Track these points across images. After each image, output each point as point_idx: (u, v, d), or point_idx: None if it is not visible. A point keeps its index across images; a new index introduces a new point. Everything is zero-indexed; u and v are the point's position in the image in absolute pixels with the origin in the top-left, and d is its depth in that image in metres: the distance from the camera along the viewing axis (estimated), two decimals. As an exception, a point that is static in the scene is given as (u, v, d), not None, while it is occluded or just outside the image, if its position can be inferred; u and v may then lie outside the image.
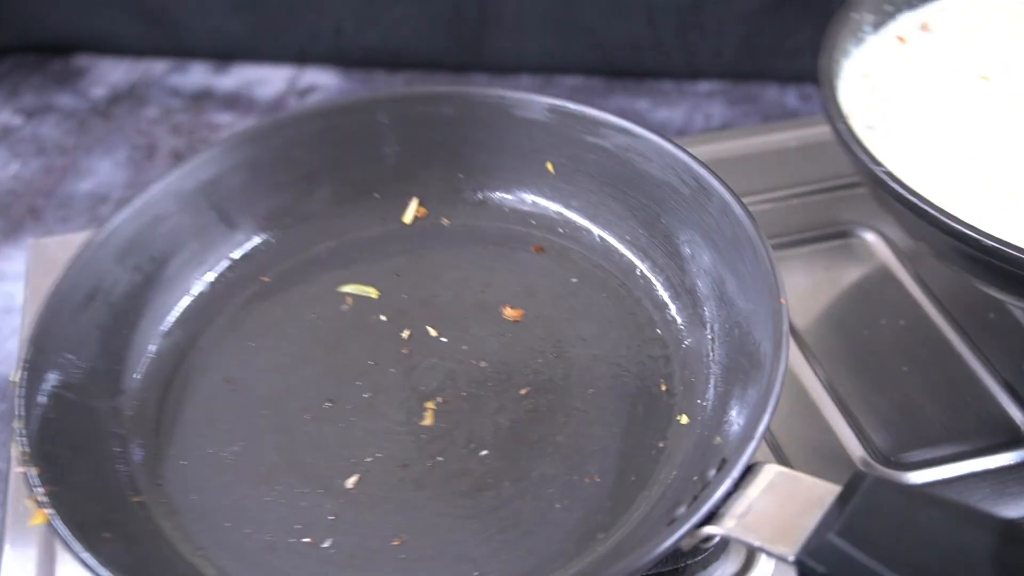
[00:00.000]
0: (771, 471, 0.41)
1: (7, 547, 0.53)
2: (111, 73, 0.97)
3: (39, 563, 0.52)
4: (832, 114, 0.54)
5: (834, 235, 0.68)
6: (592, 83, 0.93)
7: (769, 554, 0.39)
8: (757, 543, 0.39)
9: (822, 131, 0.75)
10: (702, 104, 0.90)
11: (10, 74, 0.97)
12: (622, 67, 0.93)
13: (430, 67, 0.95)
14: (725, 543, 0.50)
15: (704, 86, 0.92)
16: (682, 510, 0.41)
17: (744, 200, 0.69)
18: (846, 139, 0.52)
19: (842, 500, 0.39)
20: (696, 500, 0.40)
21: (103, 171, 0.86)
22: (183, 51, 0.97)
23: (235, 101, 0.93)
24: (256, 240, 0.57)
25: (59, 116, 0.92)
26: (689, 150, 0.55)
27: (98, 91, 0.95)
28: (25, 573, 0.51)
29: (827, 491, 0.39)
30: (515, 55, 0.93)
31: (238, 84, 0.95)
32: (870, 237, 0.67)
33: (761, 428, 0.41)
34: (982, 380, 0.58)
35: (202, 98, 0.94)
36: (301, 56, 0.96)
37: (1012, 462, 0.54)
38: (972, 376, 0.59)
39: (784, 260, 0.66)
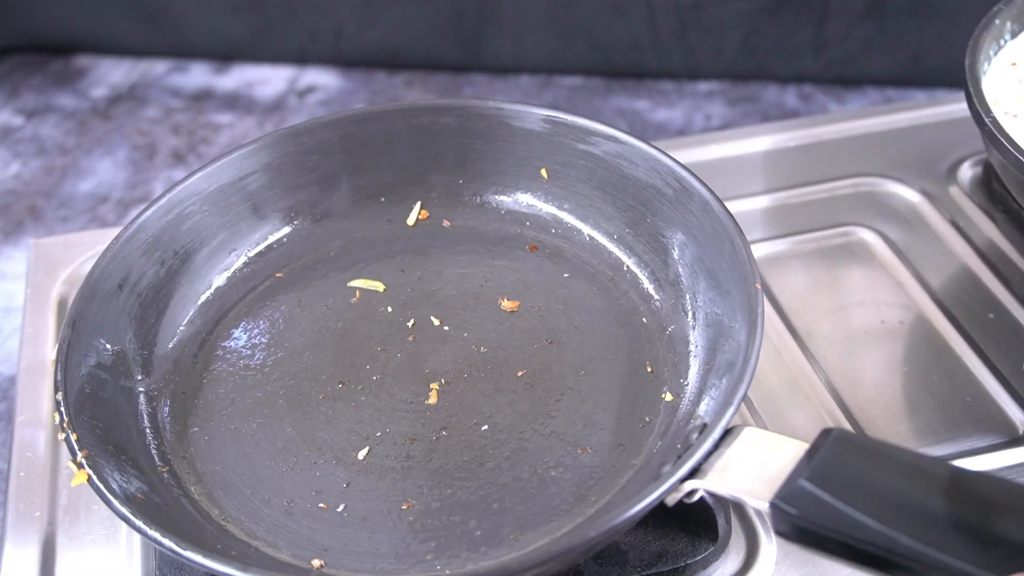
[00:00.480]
0: (748, 432, 0.45)
1: (7, 547, 0.53)
2: (111, 73, 0.97)
3: (39, 562, 0.52)
4: (981, 110, 0.58)
5: (834, 235, 0.68)
6: (592, 83, 0.93)
7: (746, 503, 0.42)
8: (735, 494, 0.43)
9: (822, 131, 0.75)
10: (702, 104, 0.90)
11: (10, 74, 0.97)
12: (622, 67, 0.93)
13: (430, 67, 0.95)
14: (725, 544, 0.51)
15: (704, 86, 0.92)
16: (667, 468, 0.45)
17: (744, 200, 0.70)
18: (995, 131, 0.57)
19: (811, 453, 0.42)
20: (680, 459, 0.44)
21: (103, 171, 0.87)
22: (183, 51, 0.98)
23: (235, 101, 0.93)
24: (272, 239, 0.62)
25: (59, 116, 0.92)
26: (684, 151, 0.58)
27: (98, 91, 0.95)
28: (25, 572, 0.52)
29: (799, 447, 0.43)
30: (515, 55, 0.93)
31: (238, 84, 0.95)
32: (870, 237, 0.68)
33: (739, 395, 0.45)
34: (982, 380, 0.59)
35: (202, 98, 0.94)
36: (301, 56, 0.96)
37: (1012, 462, 0.54)
38: (972, 376, 0.59)
39: (784, 260, 0.66)
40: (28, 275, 0.67)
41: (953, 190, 0.70)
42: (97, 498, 0.54)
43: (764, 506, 0.42)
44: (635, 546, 0.50)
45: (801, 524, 0.41)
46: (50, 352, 0.62)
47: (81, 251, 0.68)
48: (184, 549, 0.42)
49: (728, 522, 0.51)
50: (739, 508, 0.53)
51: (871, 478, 0.41)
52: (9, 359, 0.70)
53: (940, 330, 0.61)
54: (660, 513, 0.50)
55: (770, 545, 0.51)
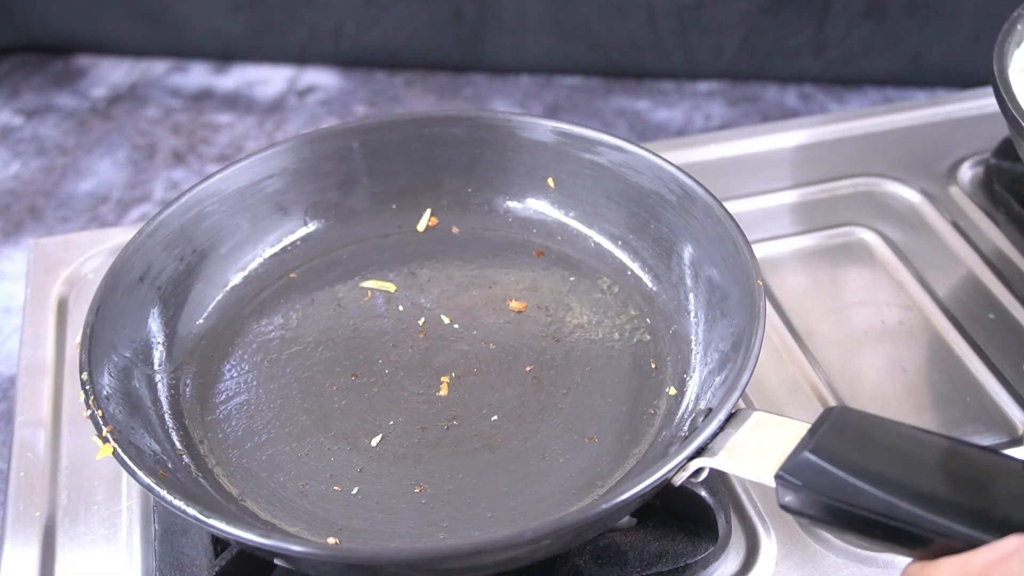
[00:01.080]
0: (753, 415, 0.46)
1: (7, 546, 0.53)
2: (111, 73, 0.97)
3: (39, 562, 0.52)
4: (1016, 114, 0.58)
5: (834, 235, 0.68)
6: (592, 83, 0.93)
7: (752, 479, 0.43)
8: (741, 471, 0.44)
9: (822, 131, 0.75)
10: (702, 104, 0.90)
11: (10, 74, 0.97)
12: (622, 67, 0.93)
13: (430, 67, 0.96)
14: (725, 544, 0.51)
15: (704, 86, 0.92)
16: (675, 448, 0.47)
17: (744, 200, 0.70)
18: None
19: (814, 429, 0.44)
20: (687, 439, 0.45)
21: (103, 171, 0.87)
22: (183, 51, 0.98)
23: (235, 101, 0.93)
24: (286, 241, 0.63)
25: (59, 116, 0.93)
26: (684, 151, 0.59)
27: (98, 91, 0.95)
28: (25, 572, 0.52)
29: (802, 426, 0.44)
30: (515, 55, 0.93)
31: (238, 84, 0.95)
32: (870, 237, 0.68)
33: (744, 380, 0.47)
34: (982, 380, 0.59)
35: (202, 98, 0.94)
36: (301, 56, 0.96)
37: (1012, 462, 0.54)
38: (972, 376, 0.59)
39: (784, 260, 0.67)
40: (28, 275, 0.67)
41: (953, 190, 0.70)
42: (97, 498, 0.55)
43: (770, 480, 0.43)
44: (635, 546, 0.50)
45: (805, 495, 0.42)
46: (50, 352, 0.62)
47: (81, 251, 0.68)
48: (208, 517, 0.43)
49: (728, 522, 0.51)
50: (739, 508, 0.53)
51: (871, 449, 0.42)
52: (9, 359, 0.70)
53: (940, 330, 0.61)
54: (660, 513, 0.51)
55: (770, 545, 0.51)
